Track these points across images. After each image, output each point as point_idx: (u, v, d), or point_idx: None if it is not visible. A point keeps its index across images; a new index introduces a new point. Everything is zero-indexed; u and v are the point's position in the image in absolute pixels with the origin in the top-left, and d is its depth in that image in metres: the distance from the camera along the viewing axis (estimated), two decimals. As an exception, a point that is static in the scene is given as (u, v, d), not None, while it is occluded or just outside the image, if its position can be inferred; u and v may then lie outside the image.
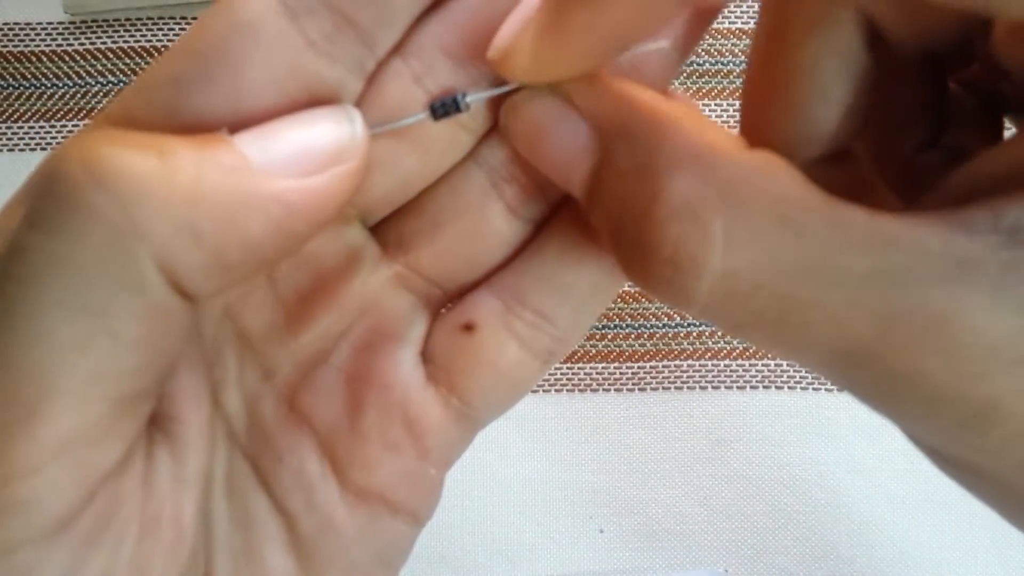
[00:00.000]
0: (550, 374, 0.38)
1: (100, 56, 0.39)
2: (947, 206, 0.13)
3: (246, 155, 0.15)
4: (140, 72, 0.39)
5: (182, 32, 0.39)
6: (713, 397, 0.37)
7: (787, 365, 0.37)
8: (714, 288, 0.14)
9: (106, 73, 0.39)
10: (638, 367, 0.38)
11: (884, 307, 0.13)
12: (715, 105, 0.39)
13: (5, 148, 0.39)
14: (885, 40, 0.15)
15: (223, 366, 0.19)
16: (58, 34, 0.39)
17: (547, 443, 0.37)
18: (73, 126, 0.39)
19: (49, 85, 0.39)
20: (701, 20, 0.17)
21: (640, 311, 0.38)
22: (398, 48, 0.17)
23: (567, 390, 0.37)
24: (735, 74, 0.39)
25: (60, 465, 0.14)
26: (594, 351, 0.38)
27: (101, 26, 0.39)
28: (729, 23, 0.39)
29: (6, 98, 0.39)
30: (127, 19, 0.39)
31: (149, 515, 0.16)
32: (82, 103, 0.39)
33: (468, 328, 0.19)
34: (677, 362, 0.37)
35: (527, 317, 0.19)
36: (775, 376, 0.37)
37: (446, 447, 0.19)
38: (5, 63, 0.39)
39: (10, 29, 0.39)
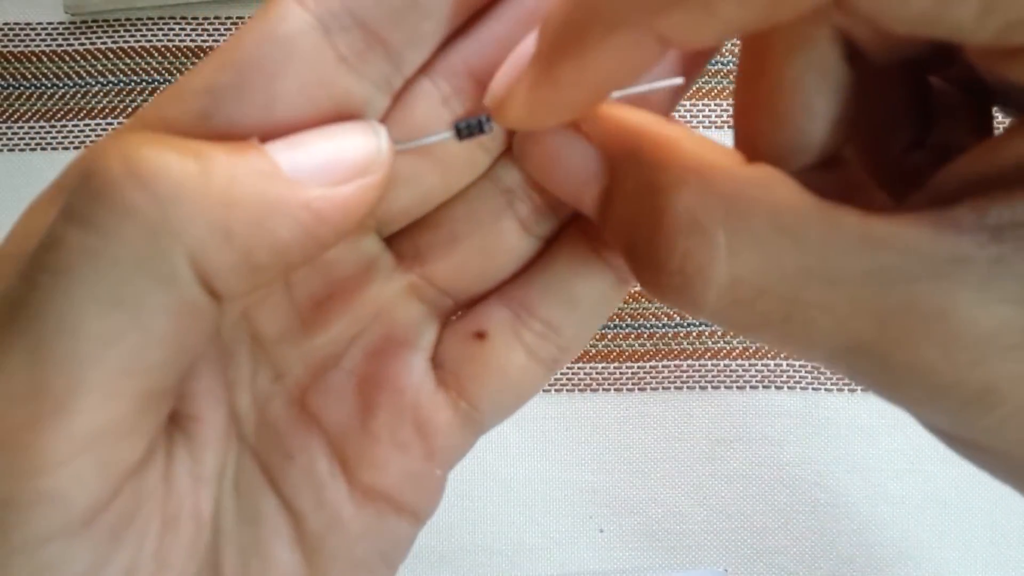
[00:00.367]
0: (550, 374, 0.38)
1: (100, 56, 0.39)
2: (935, 204, 0.14)
3: (278, 162, 0.15)
4: (140, 72, 0.39)
5: (182, 32, 0.39)
6: (713, 397, 0.37)
7: (787, 365, 0.37)
8: (721, 295, 0.14)
9: (106, 73, 0.39)
10: (638, 367, 0.38)
11: (882, 304, 0.13)
12: (715, 105, 0.39)
13: (5, 148, 0.39)
14: (862, 52, 0.15)
15: (236, 367, 0.19)
16: (58, 34, 0.39)
17: (547, 443, 0.37)
18: (73, 126, 0.39)
19: (49, 85, 0.39)
20: (699, 56, 0.18)
21: (640, 311, 0.38)
22: (426, 68, 0.17)
23: (567, 390, 0.37)
24: (735, 74, 0.39)
25: (87, 459, 0.14)
26: (594, 351, 0.38)
27: (101, 26, 0.39)
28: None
29: (6, 98, 0.39)
30: (127, 19, 0.39)
31: (170, 512, 0.17)
32: (82, 103, 0.39)
33: (479, 336, 0.19)
34: (677, 362, 0.38)
35: (535, 327, 0.19)
36: (775, 376, 0.37)
37: (451, 449, 0.20)
38: (5, 63, 0.39)
39: (10, 29, 0.39)
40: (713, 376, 0.37)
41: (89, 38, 0.39)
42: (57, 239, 0.14)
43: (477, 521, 0.36)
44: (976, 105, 0.17)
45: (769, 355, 0.37)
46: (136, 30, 0.39)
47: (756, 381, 0.37)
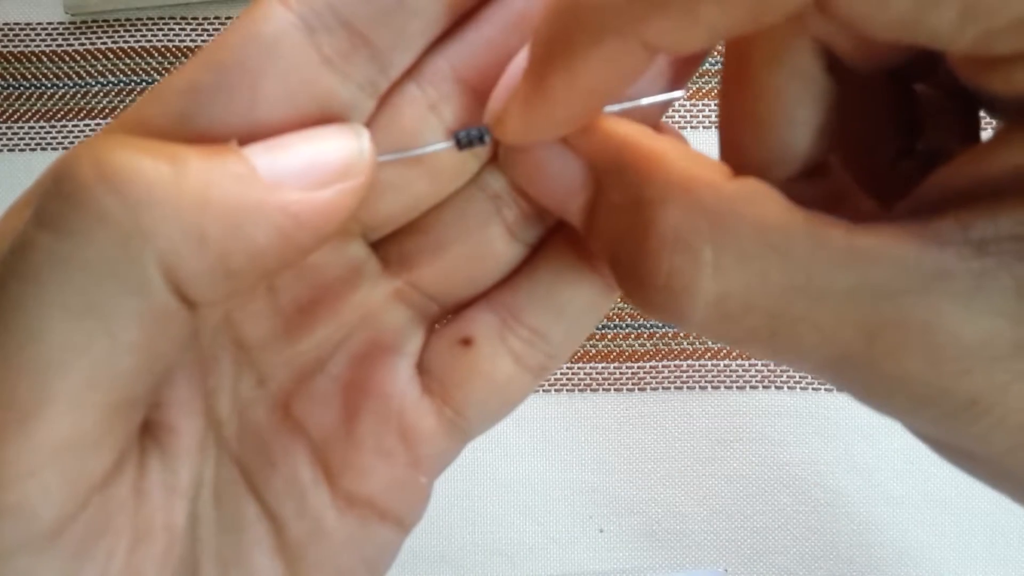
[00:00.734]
0: (551, 374, 0.38)
1: (100, 56, 0.39)
2: (920, 213, 0.14)
3: (255, 166, 0.15)
4: (140, 72, 0.39)
5: (182, 32, 0.39)
6: (713, 397, 0.37)
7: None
8: (708, 311, 0.14)
9: (106, 73, 0.39)
10: (638, 367, 0.38)
11: (868, 318, 0.13)
12: (715, 105, 0.39)
13: (5, 148, 0.39)
14: (844, 63, 0.15)
15: (218, 373, 0.19)
16: (58, 34, 0.39)
17: (547, 443, 0.37)
18: (73, 126, 0.39)
19: (49, 85, 0.39)
20: (688, 63, 0.18)
21: (640, 311, 0.38)
22: (411, 72, 0.17)
23: (567, 390, 0.38)
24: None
25: (53, 472, 0.14)
26: (594, 351, 0.38)
27: (101, 26, 0.39)
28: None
29: (6, 98, 0.39)
30: (127, 19, 0.39)
31: (141, 525, 0.16)
32: (82, 103, 0.39)
33: (466, 342, 0.19)
34: (677, 362, 0.38)
35: (522, 334, 0.19)
36: (775, 376, 0.37)
37: (437, 456, 0.20)
38: (5, 63, 0.39)
39: (10, 29, 0.39)
40: (713, 376, 0.37)
41: (89, 38, 0.39)
42: (26, 243, 0.14)
43: (477, 521, 0.36)
44: (963, 110, 0.17)
45: (769, 355, 0.37)
46: (136, 30, 0.39)
47: (756, 381, 0.37)
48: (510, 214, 0.19)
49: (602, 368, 0.38)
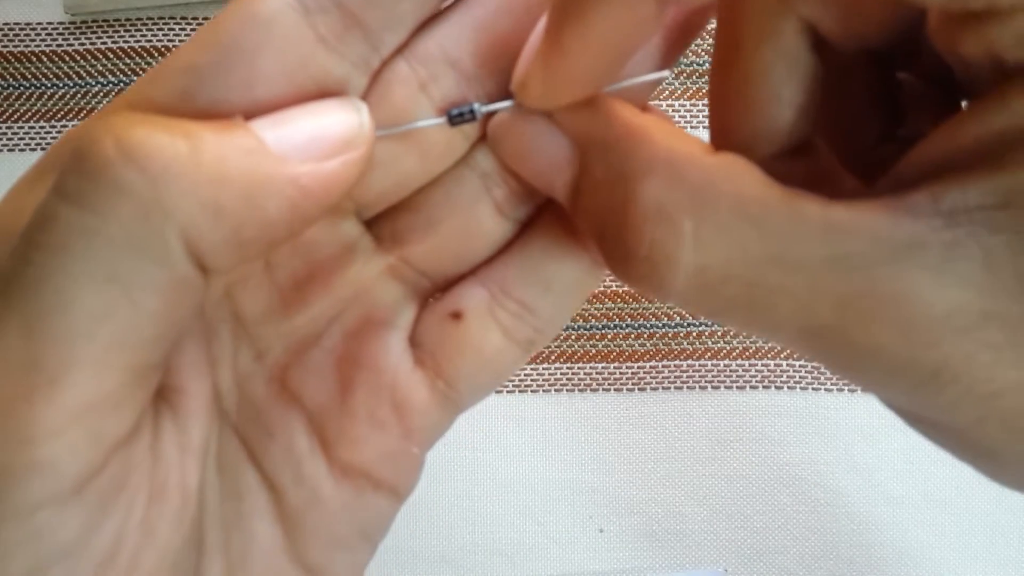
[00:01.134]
0: (550, 374, 0.38)
1: (100, 56, 0.39)
2: (897, 190, 0.14)
3: (264, 139, 0.16)
4: (140, 72, 0.39)
5: (182, 32, 0.39)
6: (713, 397, 0.37)
7: (787, 365, 0.37)
8: (688, 281, 0.15)
9: (106, 73, 0.39)
10: (638, 367, 0.38)
11: (841, 289, 0.14)
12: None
13: (5, 148, 0.39)
14: (829, 43, 0.16)
15: (219, 344, 0.19)
16: (58, 34, 0.39)
17: (547, 443, 0.37)
18: (73, 126, 0.39)
19: (49, 85, 0.39)
20: (682, 35, 0.18)
21: (640, 311, 0.38)
22: (402, 49, 0.18)
23: (567, 390, 0.38)
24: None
25: (78, 430, 0.15)
26: (594, 351, 0.38)
27: (101, 26, 0.39)
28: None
29: (6, 98, 0.39)
30: (127, 19, 0.39)
31: (157, 483, 0.17)
32: (82, 103, 0.39)
33: (456, 316, 0.20)
34: (677, 362, 0.38)
35: (511, 307, 0.20)
36: (775, 376, 0.37)
37: (429, 428, 0.20)
38: (5, 63, 0.39)
39: (10, 29, 0.39)
40: (713, 376, 0.37)
41: (89, 38, 0.39)
42: (51, 217, 0.15)
43: (477, 521, 0.36)
44: (943, 98, 0.18)
45: (769, 355, 0.37)
46: (136, 30, 0.39)
47: (756, 381, 0.37)
48: (499, 192, 0.19)
49: (602, 368, 0.38)
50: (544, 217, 0.20)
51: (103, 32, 0.39)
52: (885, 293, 0.14)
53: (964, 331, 0.13)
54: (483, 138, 0.19)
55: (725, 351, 0.37)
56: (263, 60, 0.16)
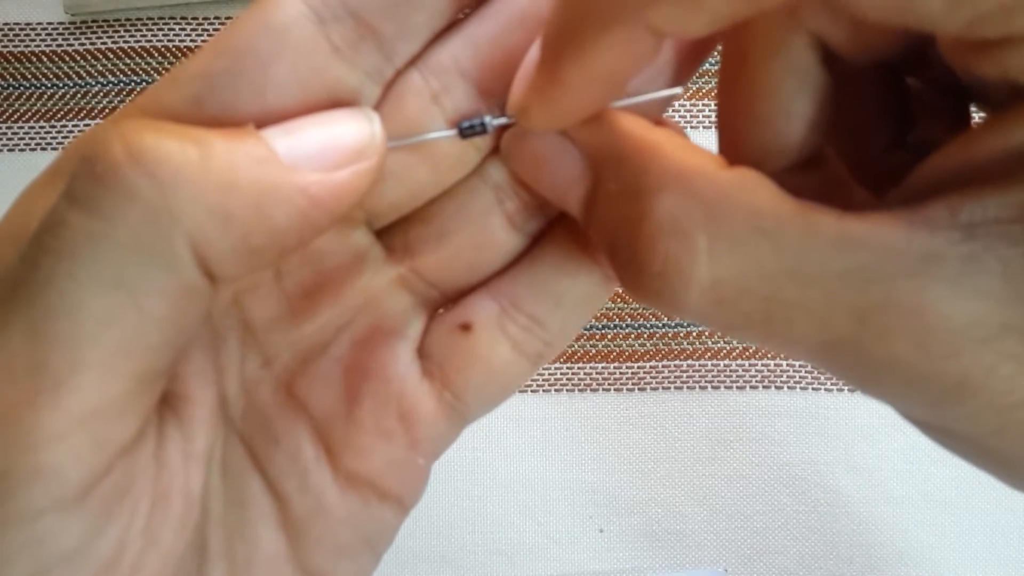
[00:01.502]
0: (550, 374, 0.38)
1: (100, 56, 0.39)
2: (911, 201, 0.14)
3: (274, 148, 0.16)
4: (140, 72, 0.39)
5: (182, 32, 0.39)
6: (713, 397, 0.37)
7: (787, 365, 0.37)
8: (703, 296, 0.15)
9: (106, 73, 0.39)
10: (638, 367, 0.38)
11: (859, 302, 0.14)
12: (715, 105, 0.39)
13: (5, 148, 0.39)
14: (838, 56, 0.16)
15: (226, 352, 0.19)
16: (58, 34, 0.39)
17: (547, 443, 0.37)
18: (73, 126, 0.39)
19: (49, 85, 0.39)
20: (695, 53, 0.18)
21: (640, 311, 0.38)
22: (416, 60, 0.18)
23: (567, 390, 0.38)
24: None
25: (82, 436, 0.15)
26: (594, 351, 0.38)
27: (101, 26, 0.39)
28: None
29: (6, 98, 0.39)
30: (127, 19, 0.39)
31: (160, 490, 0.17)
32: (82, 103, 0.39)
33: (465, 328, 0.20)
34: (677, 362, 0.38)
35: (521, 321, 0.20)
36: (775, 376, 0.37)
37: (435, 439, 0.20)
38: (5, 63, 0.39)
39: (10, 29, 0.39)
40: (713, 376, 0.37)
41: (89, 38, 0.39)
42: (60, 222, 0.15)
43: (477, 521, 0.36)
44: (953, 104, 0.18)
45: (769, 355, 0.37)
46: (136, 30, 0.39)
47: (756, 381, 0.37)
48: (511, 205, 0.19)
49: (602, 368, 0.38)
50: (555, 230, 0.20)
51: (103, 32, 0.39)
52: (903, 306, 0.13)
53: (984, 343, 0.13)
54: (496, 150, 0.19)
55: (725, 351, 0.37)
56: (276, 68, 0.16)
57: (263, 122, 0.16)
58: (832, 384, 0.37)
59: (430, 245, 0.20)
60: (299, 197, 0.15)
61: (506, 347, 0.20)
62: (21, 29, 0.39)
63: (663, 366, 0.37)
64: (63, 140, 0.39)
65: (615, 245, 0.16)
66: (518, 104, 0.17)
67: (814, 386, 0.37)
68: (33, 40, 0.39)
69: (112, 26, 0.39)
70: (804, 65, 0.16)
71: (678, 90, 0.18)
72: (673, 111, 0.39)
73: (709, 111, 0.39)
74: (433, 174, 0.19)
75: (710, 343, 0.38)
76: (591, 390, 0.37)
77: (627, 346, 0.38)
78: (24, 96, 0.39)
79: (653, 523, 0.37)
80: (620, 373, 0.38)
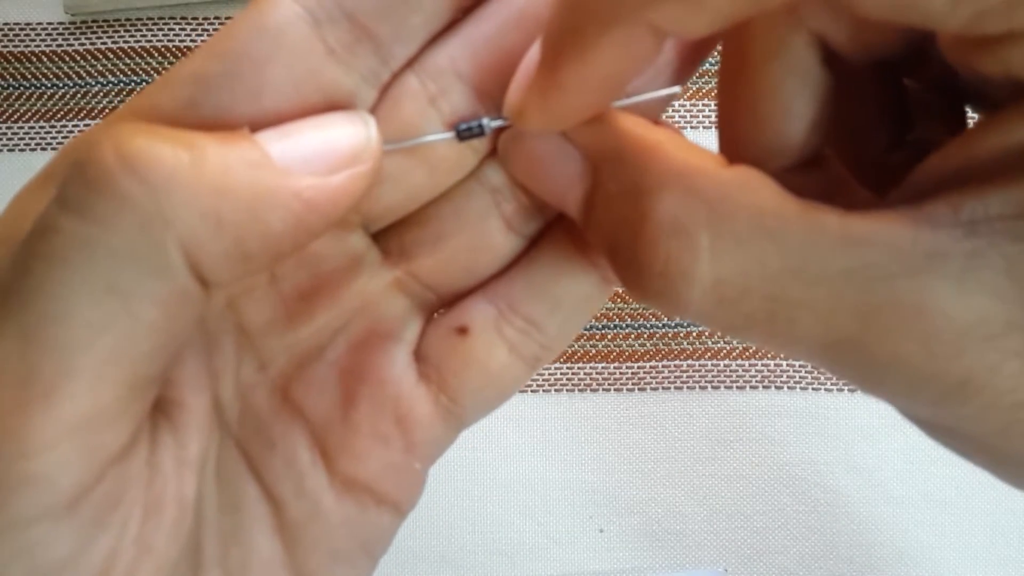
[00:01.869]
0: (550, 374, 0.38)
1: (100, 56, 0.39)
2: (912, 200, 0.14)
3: (269, 152, 0.15)
4: (140, 72, 0.39)
5: (182, 32, 0.39)
6: (713, 397, 0.37)
7: (787, 365, 0.37)
8: (705, 296, 0.15)
9: (106, 73, 0.39)
10: (638, 367, 0.38)
11: (862, 301, 0.14)
12: (715, 105, 0.39)
13: (5, 148, 0.39)
14: (839, 56, 0.16)
15: (221, 356, 0.19)
16: (58, 34, 0.39)
17: (547, 443, 0.37)
18: (73, 126, 0.39)
19: (49, 85, 0.39)
20: (695, 53, 0.18)
21: (640, 311, 0.38)
22: (412, 63, 0.18)
23: (567, 390, 0.38)
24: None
25: (73, 444, 0.14)
26: (594, 351, 0.38)
27: (101, 26, 0.39)
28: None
29: (6, 98, 0.39)
30: (127, 19, 0.39)
31: (153, 497, 0.17)
32: (82, 103, 0.39)
33: (462, 331, 0.20)
34: (677, 362, 0.38)
35: (518, 324, 0.20)
36: (775, 376, 0.37)
37: (432, 443, 0.20)
38: (5, 63, 0.39)
39: (10, 29, 0.39)
40: (713, 376, 0.37)
41: (89, 38, 0.39)
42: (51, 227, 0.14)
43: (477, 521, 0.36)
44: (950, 105, 0.18)
45: (769, 355, 0.37)
46: (136, 30, 0.39)
47: (756, 381, 0.37)
48: (509, 207, 0.19)
49: (602, 368, 0.38)
50: (553, 233, 0.20)
51: (103, 32, 0.39)
52: (907, 304, 0.13)
53: (988, 341, 0.13)
54: (493, 152, 0.19)
55: (725, 351, 0.37)
56: (271, 71, 0.16)
57: (258, 125, 0.16)
58: (832, 384, 0.37)
59: (427, 248, 0.20)
60: (294, 201, 0.15)
61: (503, 350, 0.20)
62: (21, 29, 0.39)
63: (663, 366, 0.37)
64: (63, 140, 0.39)
65: (615, 246, 0.16)
66: (514, 106, 0.17)
67: (814, 386, 0.37)
68: (33, 40, 0.39)
69: (112, 26, 0.39)
70: (805, 65, 0.16)
71: (677, 89, 0.18)
72: (673, 111, 0.39)
73: (709, 111, 0.39)
74: (430, 177, 0.19)
75: (710, 343, 0.38)
76: (591, 390, 0.37)
77: (627, 346, 0.38)
78: (24, 96, 0.39)
79: (653, 523, 0.37)
80: (620, 373, 0.38)
